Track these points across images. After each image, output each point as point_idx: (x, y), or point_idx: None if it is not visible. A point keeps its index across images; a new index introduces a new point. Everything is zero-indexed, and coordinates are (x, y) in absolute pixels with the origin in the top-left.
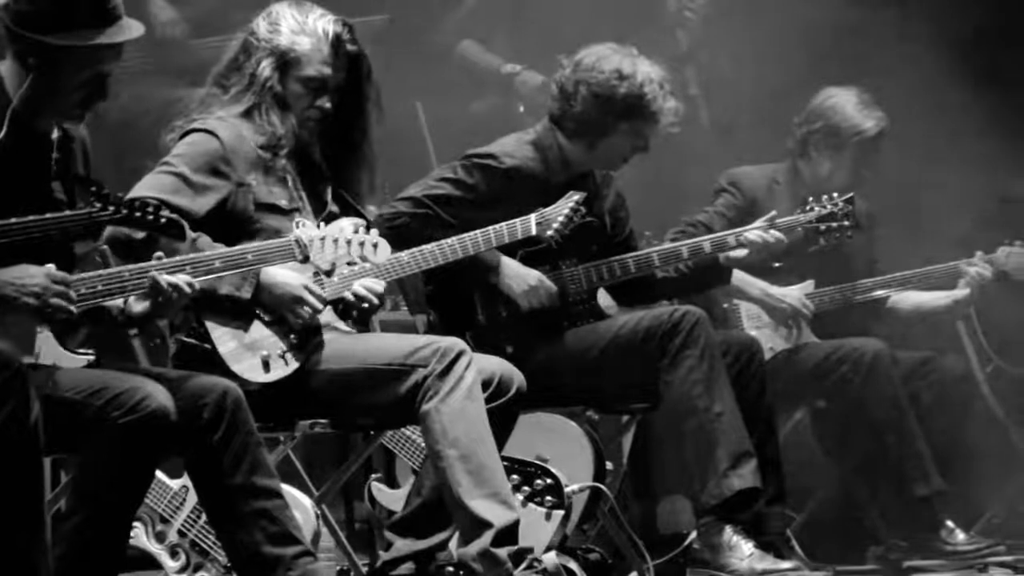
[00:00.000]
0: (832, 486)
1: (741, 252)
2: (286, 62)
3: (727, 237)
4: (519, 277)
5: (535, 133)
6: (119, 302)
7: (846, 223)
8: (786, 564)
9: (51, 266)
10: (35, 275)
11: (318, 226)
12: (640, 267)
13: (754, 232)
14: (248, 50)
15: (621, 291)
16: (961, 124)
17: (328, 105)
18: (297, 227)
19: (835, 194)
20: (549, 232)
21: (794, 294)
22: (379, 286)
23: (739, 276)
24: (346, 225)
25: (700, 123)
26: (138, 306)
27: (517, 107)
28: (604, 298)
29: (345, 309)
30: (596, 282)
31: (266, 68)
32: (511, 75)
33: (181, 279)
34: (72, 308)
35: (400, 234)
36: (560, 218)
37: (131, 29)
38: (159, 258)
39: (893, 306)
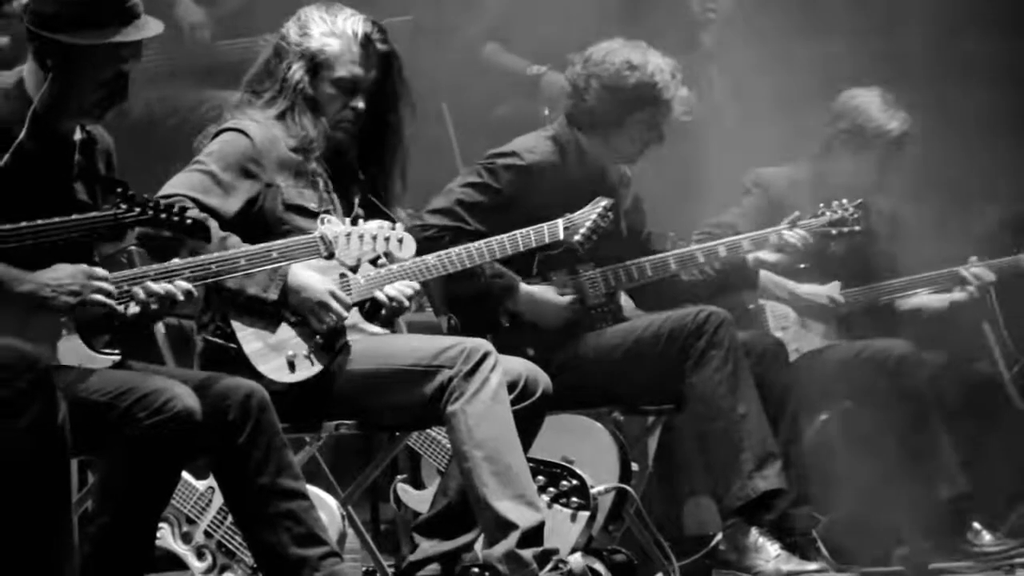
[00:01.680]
0: (858, 487)
1: (773, 256)
2: (317, 64)
3: (741, 241)
4: (536, 308)
5: (553, 130)
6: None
7: (856, 228)
8: (812, 565)
9: (82, 265)
10: (71, 273)
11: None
12: (656, 270)
13: (795, 235)
14: (280, 54)
15: (644, 294)
16: (988, 124)
17: (362, 106)
18: (322, 223)
19: (845, 200)
20: (576, 237)
21: (823, 292)
22: (411, 288)
23: (767, 277)
24: (372, 222)
25: (724, 124)
26: (131, 309)
27: (542, 109)
28: (624, 300)
29: (372, 310)
30: (614, 285)
31: (297, 72)
32: (537, 76)
33: (178, 286)
34: (112, 303)
35: (433, 248)
36: (588, 223)
37: (150, 27)
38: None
39: (901, 306)
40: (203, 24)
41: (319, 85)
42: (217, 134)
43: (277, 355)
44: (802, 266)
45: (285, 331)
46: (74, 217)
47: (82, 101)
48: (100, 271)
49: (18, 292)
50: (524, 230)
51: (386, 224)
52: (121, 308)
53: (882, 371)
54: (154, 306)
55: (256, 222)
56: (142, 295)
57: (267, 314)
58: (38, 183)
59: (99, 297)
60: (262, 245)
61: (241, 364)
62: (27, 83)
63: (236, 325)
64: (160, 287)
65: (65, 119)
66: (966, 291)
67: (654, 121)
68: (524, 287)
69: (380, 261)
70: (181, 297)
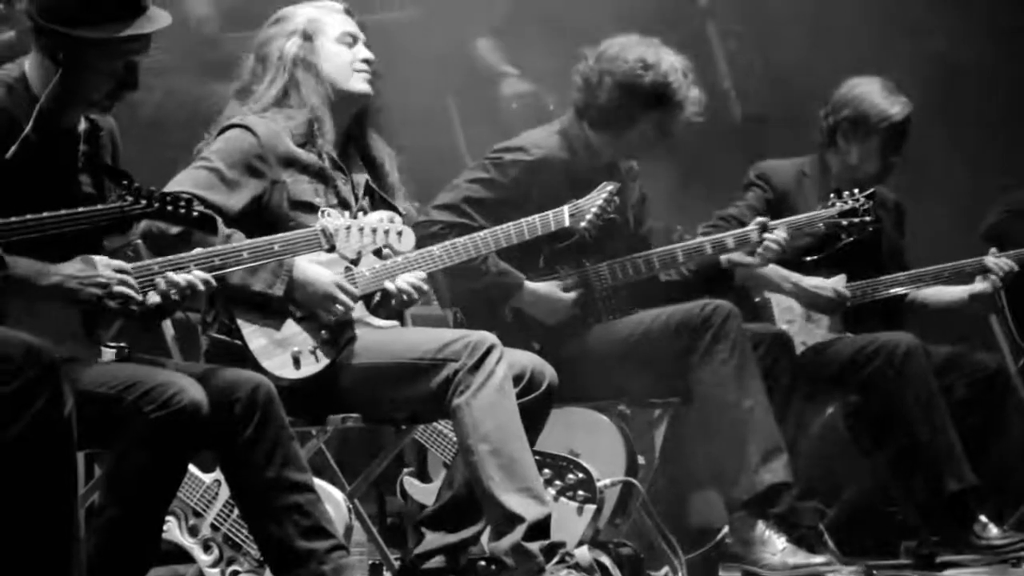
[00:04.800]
0: (864, 480)
1: (747, 258)
2: (310, 33)
3: (749, 233)
4: (540, 305)
5: (561, 124)
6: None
7: (867, 218)
8: (818, 559)
9: (104, 257)
10: (95, 266)
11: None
12: (664, 263)
13: (775, 236)
14: (263, 50)
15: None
16: (999, 114)
17: (370, 54)
18: (323, 216)
19: (856, 190)
20: (582, 224)
21: (829, 284)
22: (421, 281)
23: (773, 269)
24: (373, 215)
25: (732, 117)
26: (153, 298)
27: (547, 104)
28: None
29: (379, 303)
30: (621, 278)
31: (292, 46)
32: (502, 75)
33: (197, 276)
34: (139, 296)
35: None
36: (594, 209)
37: (159, 19)
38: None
39: (912, 299)
40: (210, 17)
41: (320, 49)
42: (222, 131)
43: (282, 351)
44: (808, 259)
45: (290, 327)
46: (80, 210)
47: (92, 93)
48: (122, 264)
49: (44, 286)
50: (530, 218)
51: (386, 216)
52: (140, 298)
53: (888, 364)
54: (175, 296)
55: (262, 219)
56: (163, 285)
57: (272, 310)
58: (43, 175)
59: (124, 289)
60: (264, 238)
61: (246, 361)
62: (30, 76)
63: (241, 322)
64: (181, 277)
65: (73, 112)
66: (989, 280)
67: (665, 121)
68: (529, 285)
69: (384, 252)
70: (201, 287)
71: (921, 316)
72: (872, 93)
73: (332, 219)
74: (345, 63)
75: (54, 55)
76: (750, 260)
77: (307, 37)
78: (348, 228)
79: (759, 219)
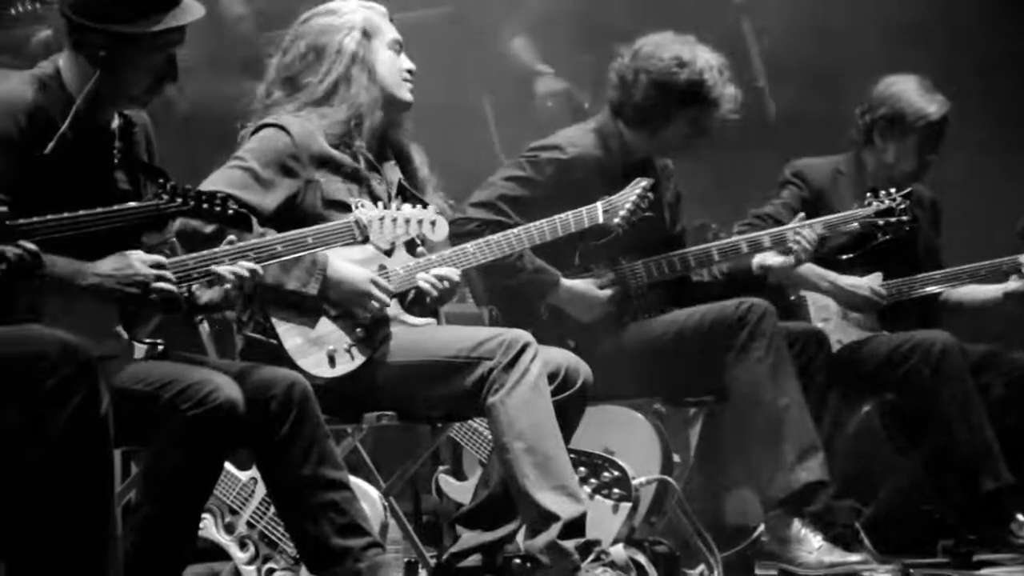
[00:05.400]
0: (901, 479)
1: (779, 258)
2: (368, 31)
3: (785, 232)
4: (576, 303)
5: (596, 122)
6: (182, 291)
7: (904, 217)
8: (855, 557)
9: (140, 252)
10: (133, 263)
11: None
12: (700, 261)
13: (809, 233)
14: (318, 46)
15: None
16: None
17: (413, 65)
18: (356, 208)
19: (893, 189)
20: (616, 220)
21: (865, 283)
22: (454, 274)
23: (809, 268)
24: (406, 206)
25: (767, 114)
26: (204, 296)
27: (583, 102)
28: None
29: (413, 301)
30: (656, 276)
31: (351, 41)
32: (537, 74)
33: (243, 266)
34: (176, 290)
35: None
36: (628, 205)
37: (193, 10)
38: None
39: (946, 299)
40: (245, 17)
41: (375, 52)
42: (256, 130)
43: (318, 350)
44: (844, 257)
45: (325, 325)
46: (116, 207)
47: (132, 89)
48: (158, 259)
49: (83, 285)
50: (563, 215)
51: (419, 207)
52: (183, 291)
53: (925, 362)
54: (230, 289)
55: (295, 219)
56: (215, 280)
57: (307, 309)
58: (80, 173)
59: (163, 286)
60: (297, 231)
61: (282, 360)
62: (64, 74)
63: (276, 321)
64: (224, 269)
65: (111, 108)
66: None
67: (700, 118)
68: (564, 282)
69: (419, 250)
70: (246, 274)
71: (956, 315)
72: (909, 91)
73: (365, 210)
74: (396, 70)
75: (92, 53)
76: (782, 260)
77: (367, 35)
78: (381, 219)
79: (800, 216)
